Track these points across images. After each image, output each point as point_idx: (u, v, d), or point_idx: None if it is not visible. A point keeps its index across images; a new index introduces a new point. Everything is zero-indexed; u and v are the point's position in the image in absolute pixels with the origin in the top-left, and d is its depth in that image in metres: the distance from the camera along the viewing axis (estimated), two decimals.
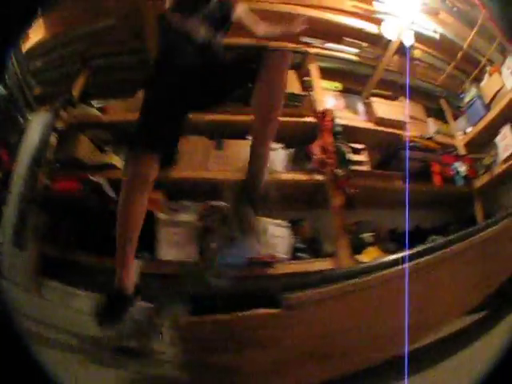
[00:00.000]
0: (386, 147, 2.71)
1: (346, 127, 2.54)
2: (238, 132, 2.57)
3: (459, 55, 3.34)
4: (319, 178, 2.45)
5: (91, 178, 2.18)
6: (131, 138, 1.36)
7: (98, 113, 2.63)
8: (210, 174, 2.47)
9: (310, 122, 2.58)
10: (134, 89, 2.83)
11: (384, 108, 2.84)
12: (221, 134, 2.56)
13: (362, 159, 2.59)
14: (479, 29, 3.35)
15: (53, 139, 2.28)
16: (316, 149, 2.44)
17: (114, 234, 2.17)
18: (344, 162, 2.44)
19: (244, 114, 2.56)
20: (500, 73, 3.29)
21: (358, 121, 2.79)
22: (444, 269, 1.17)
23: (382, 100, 2.94)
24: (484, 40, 3.55)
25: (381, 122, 2.76)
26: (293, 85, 2.68)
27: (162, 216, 2.39)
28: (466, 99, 3.22)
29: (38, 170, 2.12)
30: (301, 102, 2.59)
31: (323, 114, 2.52)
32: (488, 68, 3.48)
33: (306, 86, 2.76)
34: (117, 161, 2.44)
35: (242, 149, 2.54)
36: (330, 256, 2.38)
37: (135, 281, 1.37)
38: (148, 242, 2.38)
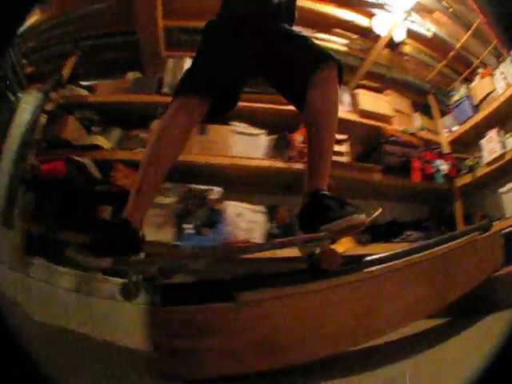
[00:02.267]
0: (368, 139, 2.76)
1: None
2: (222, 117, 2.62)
3: (451, 55, 3.36)
4: (298, 166, 2.51)
5: (76, 158, 2.24)
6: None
7: (86, 93, 2.66)
8: (192, 158, 2.52)
9: (295, 110, 2.61)
10: (123, 70, 2.92)
11: (368, 100, 2.87)
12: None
13: (342, 150, 2.64)
14: (474, 32, 3.36)
15: (42, 119, 2.35)
16: (298, 137, 2.50)
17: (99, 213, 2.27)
18: None
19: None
20: (492, 76, 3.30)
21: (342, 112, 2.82)
22: (397, 277, 1.22)
23: (368, 92, 2.98)
24: (478, 43, 3.56)
25: (364, 114, 2.80)
26: None
27: None
28: (455, 98, 3.26)
29: (26, 150, 2.18)
30: None
31: None
32: (480, 70, 3.50)
33: None
34: (102, 142, 2.49)
35: (224, 134, 2.61)
36: None
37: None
38: None
